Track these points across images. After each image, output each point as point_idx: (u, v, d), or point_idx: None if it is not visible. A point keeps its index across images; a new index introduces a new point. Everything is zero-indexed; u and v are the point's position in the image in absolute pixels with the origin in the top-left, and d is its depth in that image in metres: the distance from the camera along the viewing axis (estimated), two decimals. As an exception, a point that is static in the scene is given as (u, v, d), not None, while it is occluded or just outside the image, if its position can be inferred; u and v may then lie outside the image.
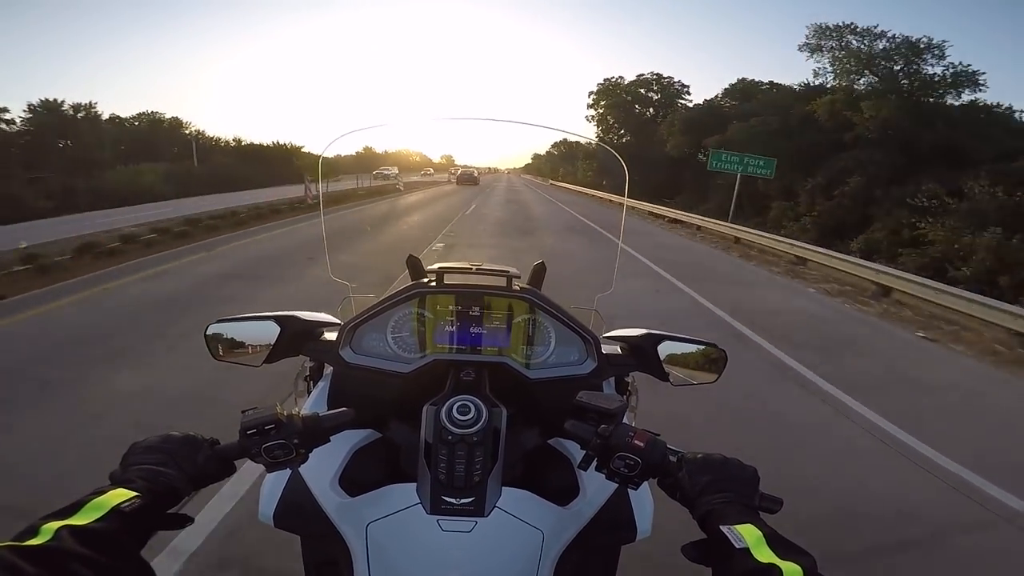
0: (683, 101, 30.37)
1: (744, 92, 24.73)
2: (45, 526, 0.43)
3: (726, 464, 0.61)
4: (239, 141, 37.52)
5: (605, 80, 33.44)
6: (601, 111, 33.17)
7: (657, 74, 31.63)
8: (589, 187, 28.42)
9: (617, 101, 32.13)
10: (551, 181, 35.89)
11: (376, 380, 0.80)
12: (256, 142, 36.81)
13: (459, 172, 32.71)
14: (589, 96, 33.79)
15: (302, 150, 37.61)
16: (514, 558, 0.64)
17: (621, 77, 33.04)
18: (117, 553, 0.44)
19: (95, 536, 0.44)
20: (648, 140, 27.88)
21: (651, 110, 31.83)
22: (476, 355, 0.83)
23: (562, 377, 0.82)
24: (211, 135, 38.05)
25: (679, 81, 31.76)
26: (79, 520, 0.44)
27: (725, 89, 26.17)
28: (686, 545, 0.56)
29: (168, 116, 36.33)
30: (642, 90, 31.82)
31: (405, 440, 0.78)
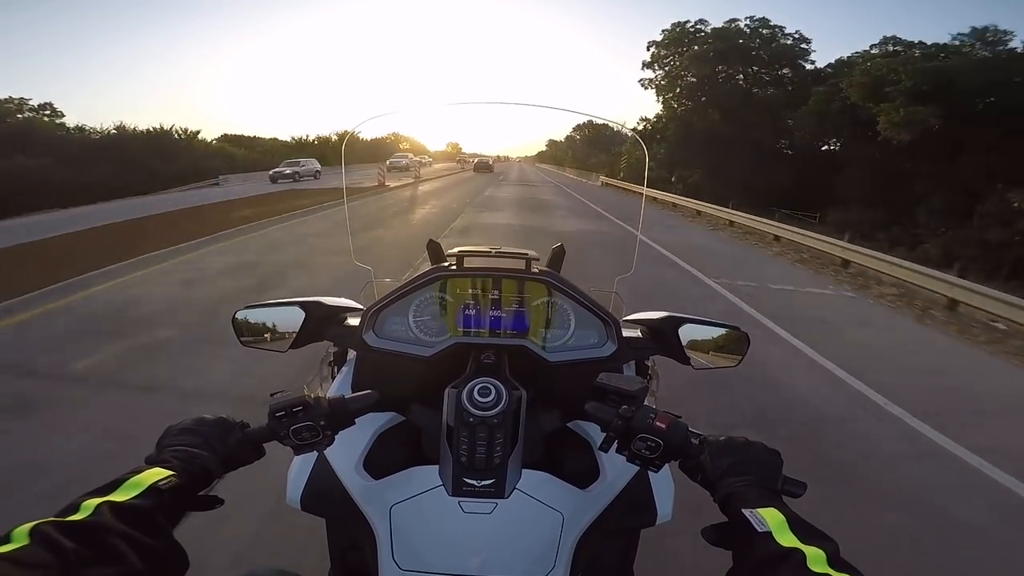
0: (804, 63, 19.20)
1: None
2: (86, 502, 0.44)
3: (749, 447, 0.60)
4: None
5: (675, 26, 21.14)
6: (670, 72, 21.36)
7: (762, 19, 19.61)
8: (633, 183, 20.07)
9: (699, 54, 20.14)
10: (603, 179, 24.53)
11: (398, 364, 0.81)
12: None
13: (476, 161, 35.93)
14: (649, 50, 22.17)
15: (309, 140, 36.93)
16: (534, 540, 0.65)
17: (702, 22, 20.70)
18: (153, 531, 0.46)
19: (133, 513, 0.45)
20: (759, 118, 17.75)
21: (753, 72, 20.10)
22: (496, 338, 0.83)
23: (582, 360, 0.82)
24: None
25: (797, 32, 19.61)
26: (118, 497, 0.46)
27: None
28: (706, 528, 0.56)
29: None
30: (740, 41, 19.84)
31: (427, 423, 0.79)
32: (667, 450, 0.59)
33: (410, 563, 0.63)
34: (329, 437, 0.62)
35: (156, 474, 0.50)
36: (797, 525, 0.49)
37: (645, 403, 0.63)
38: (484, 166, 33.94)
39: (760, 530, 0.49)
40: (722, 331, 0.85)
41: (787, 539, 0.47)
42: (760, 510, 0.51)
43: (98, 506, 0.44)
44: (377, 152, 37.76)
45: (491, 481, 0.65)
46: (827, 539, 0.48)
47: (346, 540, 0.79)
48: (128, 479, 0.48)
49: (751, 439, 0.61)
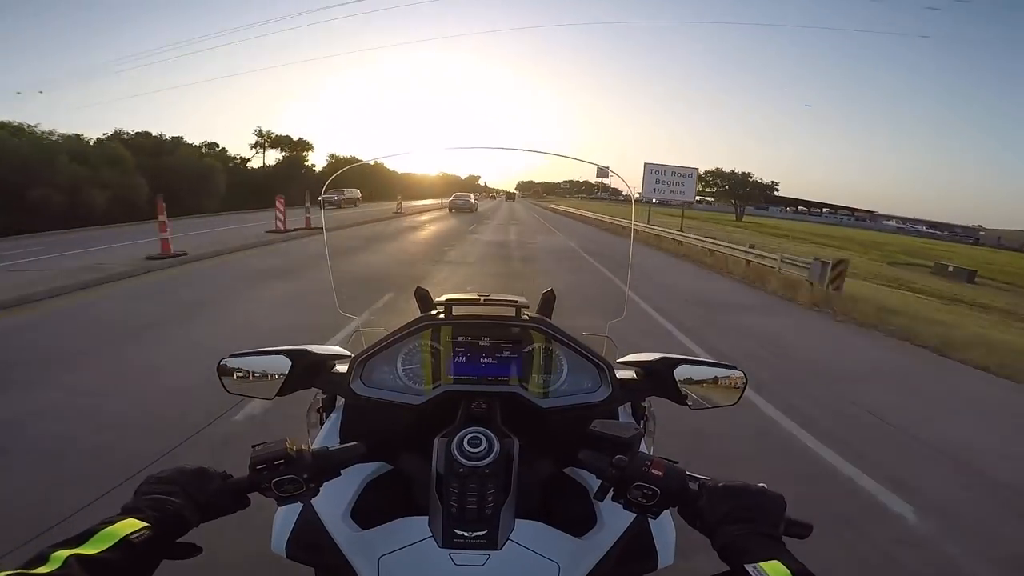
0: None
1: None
2: (55, 554, 0.43)
3: (747, 491, 0.58)
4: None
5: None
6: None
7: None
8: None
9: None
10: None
11: (388, 412, 0.79)
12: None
13: (452, 197, 27.60)
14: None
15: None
16: None
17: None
18: None
19: (103, 566, 0.44)
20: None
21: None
22: (487, 385, 0.82)
23: (576, 405, 0.81)
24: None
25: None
26: (89, 549, 0.45)
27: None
28: None
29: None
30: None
31: (417, 472, 0.77)
32: (664, 497, 0.58)
33: None
34: (313, 489, 0.60)
35: (129, 525, 0.49)
36: None
37: (642, 446, 0.61)
38: (463, 205, 25.50)
39: None
40: (718, 371, 0.84)
41: None
42: (764, 564, 0.48)
43: (67, 558, 0.43)
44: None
45: (483, 532, 0.62)
46: None
47: None
48: (100, 530, 0.47)
49: (751, 483, 0.59)
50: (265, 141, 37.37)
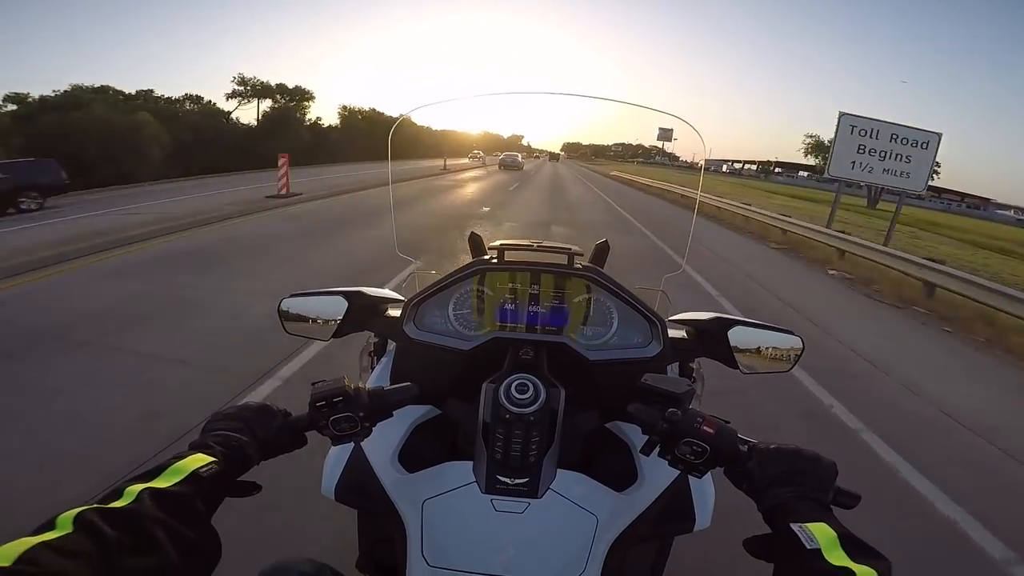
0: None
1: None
2: (129, 488, 0.45)
3: (800, 455, 0.57)
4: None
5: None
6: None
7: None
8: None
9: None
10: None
11: (437, 357, 0.81)
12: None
13: (503, 156, 32.50)
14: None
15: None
16: (566, 542, 0.64)
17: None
18: (191, 519, 0.46)
19: (174, 499, 0.46)
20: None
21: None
22: (535, 334, 0.83)
23: (624, 360, 0.80)
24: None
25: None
26: (160, 483, 0.47)
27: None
28: (748, 539, 0.54)
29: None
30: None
31: (464, 418, 0.79)
32: (714, 456, 0.57)
33: (438, 559, 0.63)
34: (367, 429, 0.63)
35: (198, 460, 0.51)
36: (849, 542, 0.47)
37: (691, 407, 0.60)
38: (512, 163, 29.25)
39: (809, 547, 0.46)
40: (774, 334, 0.80)
41: (837, 557, 0.45)
42: (810, 525, 0.48)
43: (140, 492, 0.45)
44: (419, 143, 40.67)
45: (525, 480, 0.64)
46: (880, 558, 0.46)
47: (377, 532, 0.81)
48: (171, 464, 0.50)
49: (804, 448, 0.58)
50: (248, 90, 30.84)
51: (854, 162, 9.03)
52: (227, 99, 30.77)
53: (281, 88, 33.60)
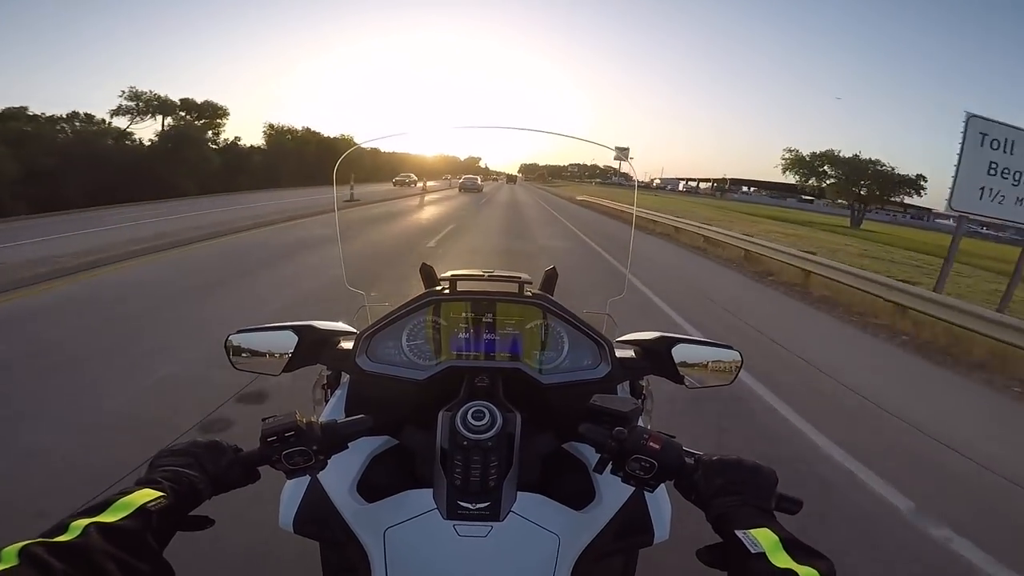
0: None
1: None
2: (74, 523, 0.47)
3: (741, 465, 0.64)
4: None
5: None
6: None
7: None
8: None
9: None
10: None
11: (392, 388, 0.86)
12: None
13: (462, 179, 35.33)
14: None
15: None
16: (530, 562, 0.69)
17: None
18: (142, 551, 0.48)
19: (122, 534, 0.48)
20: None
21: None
22: (490, 361, 0.89)
23: (576, 382, 0.87)
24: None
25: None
26: (107, 518, 0.49)
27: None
28: (701, 549, 0.59)
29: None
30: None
31: (421, 446, 0.84)
32: (661, 470, 0.63)
33: None
34: (322, 462, 0.66)
35: (145, 495, 0.53)
36: (791, 545, 0.52)
37: (639, 423, 0.67)
38: (471, 186, 31.79)
39: (753, 551, 0.51)
40: (715, 350, 0.90)
41: (781, 560, 0.50)
42: (753, 531, 0.54)
43: (87, 527, 0.46)
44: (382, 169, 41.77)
45: (486, 504, 0.68)
46: (822, 558, 0.51)
47: (340, 563, 0.83)
48: (117, 500, 0.51)
49: (744, 458, 0.65)
50: (140, 106, 27.92)
51: (984, 189, 6.09)
52: (111, 116, 27.58)
53: (188, 104, 31.09)
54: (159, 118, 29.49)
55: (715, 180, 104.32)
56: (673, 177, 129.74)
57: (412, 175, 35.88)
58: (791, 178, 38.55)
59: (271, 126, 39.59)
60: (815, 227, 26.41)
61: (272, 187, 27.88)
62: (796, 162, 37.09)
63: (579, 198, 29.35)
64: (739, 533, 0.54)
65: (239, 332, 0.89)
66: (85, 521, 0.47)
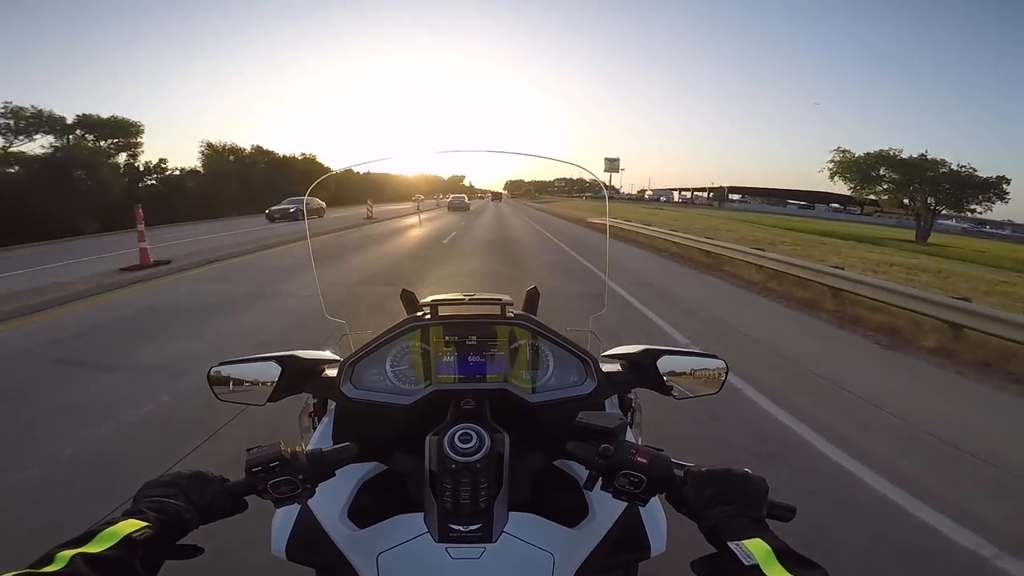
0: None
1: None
2: (60, 554, 0.50)
3: (730, 475, 0.69)
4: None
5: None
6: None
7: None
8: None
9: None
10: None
11: (379, 413, 0.92)
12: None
13: (451, 198, 38.70)
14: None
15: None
16: None
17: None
18: None
19: (108, 564, 0.51)
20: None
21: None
22: (476, 383, 0.95)
23: (563, 399, 0.94)
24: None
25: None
26: (92, 548, 0.52)
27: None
28: (696, 560, 0.63)
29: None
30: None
31: (411, 471, 0.89)
32: (651, 484, 0.68)
33: None
34: (309, 490, 0.71)
35: (130, 525, 0.57)
36: (784, 555, 0.55)
37: (629, 436, 0.73)
38: (459, 205, 35.22)
39: (747, 563, 0.55)
40: (700, 359, 0.98)
41: (775, 571, 0.53)
42: (746, 542, 0.57)
43: (72, 558, 0.50)
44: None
45: (478, 526, 0.73)
46: (816, 567, 0.54)
47: None
48: (102, 530, 0.55)
49: (734, 468, 0.70)
50: (18, 124, 23.69)
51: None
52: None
53: (89, 121, 27.02)
54: (43, 138, 25.14)
55: (710, 189, 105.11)
56: (665, 188, 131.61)
57: (464, 196, 38.92)
58: (839, 185, 33.40)
59: (209, 145, 35.89)
60: (884, 245, 22.13)
61: (212, 216, 25.37)
62: (847, 165, 31.91)
63: (591, 220, 22.17)
64: (732, 545, 0.58)
65: (222, 364, 0.94)
66: (71, 552, 0.51)
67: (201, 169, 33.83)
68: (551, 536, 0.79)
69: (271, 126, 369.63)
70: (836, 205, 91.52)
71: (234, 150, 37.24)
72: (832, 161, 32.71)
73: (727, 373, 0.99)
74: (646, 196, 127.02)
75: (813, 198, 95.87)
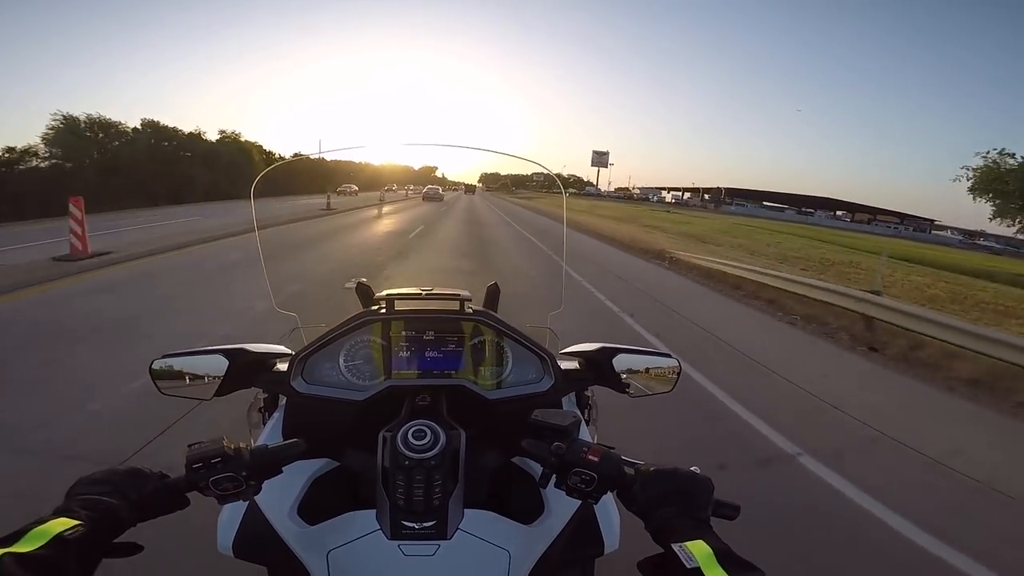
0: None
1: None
2: None
3: (677, 475, 0.74)
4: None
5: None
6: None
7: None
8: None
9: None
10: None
11: (331, 409, 0.96)
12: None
13: (426, 189, 42.87)
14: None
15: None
16: None
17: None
18: None
19: (39, 563, 0.53)
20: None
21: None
22: (432, 379, 1.00)
23: (521, 396, 1.00)
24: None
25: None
26: (22, 548, 0.54)
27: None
28: (642, 561, 0.68)
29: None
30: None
31: (363, 468, 0.94)
32: (601, 482, 0.74)
33: None
34: (254, 487, 0.74)
35: (61, 524, 0.59)
36: (724, 557, 0.60)
37: (583, 435, 0.79)
38: (434, 195, 39.08)
39: (689, 566, 0.59)
40: (654, 358, 1.05)
41: (715, 573, 0.58)
42: (689, 544, 0.62)
43: (1, 557, 0.52)
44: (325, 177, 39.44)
45: (432, 523, 0.77)
46: (754, 570, 0.59)
47: None
48: (32, 529, 0.57)
49: (681, 468, 0.75)
50: None
51: None
52: None
53: None
54: None
55: (704, 189, 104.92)
56: (651, 187, 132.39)
57: (354, 186, 38.59)
58: (981, 203, 23.09)
59: (65, 118, 24.32)
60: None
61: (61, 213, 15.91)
62: (996, 177, 22.04)
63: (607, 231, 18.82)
64: (675, 547, 0.63)
65: (164, 356, 0.97)
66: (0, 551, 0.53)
67: (51, 154, 22.85)
68: (507, 533, 0.84)
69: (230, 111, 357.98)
70: (841, 212, 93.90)
71: (105, 125, 26.50)
72: (975, 170, 22.83)
73: (680, 372, 1.07)
74: (635, 195, 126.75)
75: (818, 204, 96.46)
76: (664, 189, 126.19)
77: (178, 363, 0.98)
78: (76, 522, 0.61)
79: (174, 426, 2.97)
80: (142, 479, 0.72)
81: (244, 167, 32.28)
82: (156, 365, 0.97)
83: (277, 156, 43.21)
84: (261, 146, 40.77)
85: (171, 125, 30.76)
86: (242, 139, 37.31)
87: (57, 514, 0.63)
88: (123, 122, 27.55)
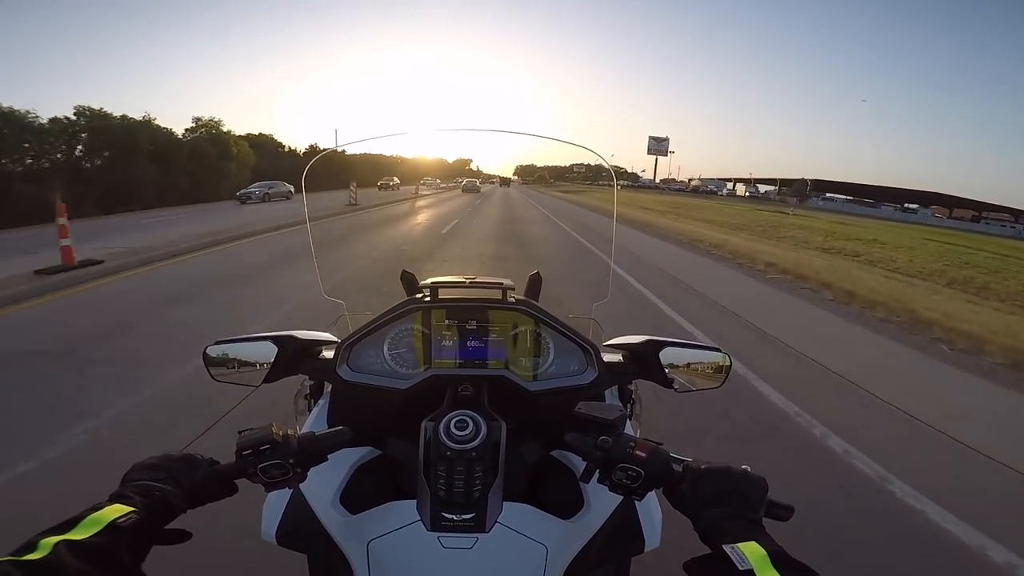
0: None
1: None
2: (43, 541, 0.55)
3: (730, 474, 0.75)
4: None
5: None
6: None
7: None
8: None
9: None
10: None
11: (375, 397, 1.03)
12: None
13: (465, 182, 49.99)
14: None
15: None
16: (517, 574, 0.82)
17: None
18: (115, 567, 0.58)
19: (93, 550, 0.57)
20: None
21: None
22: (474, 369, 1.06)
23: (563, 388, 1.04)
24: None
25: None
26: (76, 535, 0.58)
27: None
28: (689, 561, 0.69)
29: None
30: None
31: (405, 457, 1.00)
32: (648, 479, 0.76)
33: None
34: (300, 474, 0.79)
35: (115, 511, 0.63)
36: (779, 560, 0.60)
37: (627, 429, 0.82)
38: (471, 187, 45.87)
39: (741, 568, 0.60)
40: (703, 352, 1.08)
41: (769, 575, 0.58)
42: (741, 545, 0.63)
43: (56, 545, 0.55)
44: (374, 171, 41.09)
45: (471, 515, 0.81)
46: (810, 572, 0.60)
47: (326, 574, 0.97)
48: (87, 516, 0.61)
49: (734, 466, 0.76)
50: None
51: None
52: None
53: None
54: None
55: (782, 181, 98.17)
56: (715, 178, 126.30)
57: (396, 179, 42.28)
58: None
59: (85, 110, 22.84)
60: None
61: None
62: None
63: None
64: (727, 548, 0.64)
65: (217, 343, 1.06)
66: (55, 539, 0.56)
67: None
68: (545, 528, 0.88)
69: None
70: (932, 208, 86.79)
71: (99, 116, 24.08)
72: None
73: (730, 367, 1.09)
74: (690, 186, 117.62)
75: (906, 198, 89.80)
76: (731, 180, 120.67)
77: (231, 350, 1.06)
78: (130, 508, 0.65)
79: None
80: (194, 465, 0.78)
81: (215, 161, 29.30)
82: (210, 351, 1.05)
83: (314, 148, 44.93)
84: (275, 138, 42.51)
85: (113, 112, 25.06)
86: (219, 127, 33.05)
87: (112, 500, 0.68)
88: (31, 110, 21.43)
